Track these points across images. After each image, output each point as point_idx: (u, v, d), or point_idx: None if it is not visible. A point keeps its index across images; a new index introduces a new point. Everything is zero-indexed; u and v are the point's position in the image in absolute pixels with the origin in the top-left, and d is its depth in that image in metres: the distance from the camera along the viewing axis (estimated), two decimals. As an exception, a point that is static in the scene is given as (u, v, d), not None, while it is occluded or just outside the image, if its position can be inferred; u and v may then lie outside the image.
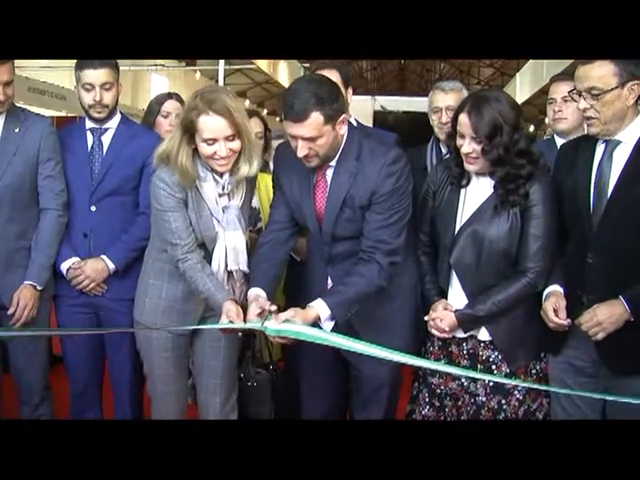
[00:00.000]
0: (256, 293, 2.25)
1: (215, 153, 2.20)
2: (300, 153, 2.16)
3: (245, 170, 2.28)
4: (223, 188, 2.31)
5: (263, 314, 2.17)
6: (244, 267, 2.35)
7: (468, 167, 2.27)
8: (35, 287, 2.59)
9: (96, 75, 2.62)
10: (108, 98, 2.67)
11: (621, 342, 2.06)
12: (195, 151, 2.26)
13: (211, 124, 2.17)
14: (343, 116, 2.20)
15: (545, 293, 2.25)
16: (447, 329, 2.27)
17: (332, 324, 2.20)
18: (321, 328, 2.18)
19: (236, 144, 2.22)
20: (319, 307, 2.17)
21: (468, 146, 2.21)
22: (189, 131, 2.22)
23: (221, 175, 2.30)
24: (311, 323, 2.16)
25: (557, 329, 2.18)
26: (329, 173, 2.30)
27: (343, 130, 2.22)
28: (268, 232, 2.43)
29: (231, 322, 2.17)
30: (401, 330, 2.41)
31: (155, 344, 2.43)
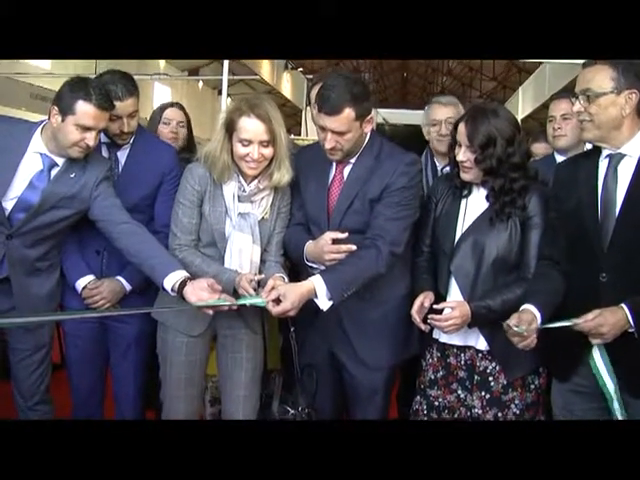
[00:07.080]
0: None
1: (247, 155, 2.30)
2: (328, 145, 2.31)
3: (277, 177, 2.36)
4: (243, 190, 2.37)
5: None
6: (246, 271, 2.37)
7: (463, 176, 2.34)
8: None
9: (124, 106, 2.52)
10: (133, 124, 2.61)
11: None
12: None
13: (250, 126, 2.29)
14: (370, 116, 2.33)
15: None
16: (459, 320, 2.22)
17: (330, 304, 2.25)
18: (316, 305, 2.24)
19: (269, 151, 2.32)
20: (316, 281, 2.24)
21: (463, 155, 2.29)
22: (229, 130, 2.33)
23: (248, 181, 2.38)
24: (305, 297, 2.22)
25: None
26: (347, 170, 2.42)
27: (368, 129, 2.35)
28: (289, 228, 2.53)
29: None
30: (394, 337, 2.47)
31: (170, 346, 2.46)
